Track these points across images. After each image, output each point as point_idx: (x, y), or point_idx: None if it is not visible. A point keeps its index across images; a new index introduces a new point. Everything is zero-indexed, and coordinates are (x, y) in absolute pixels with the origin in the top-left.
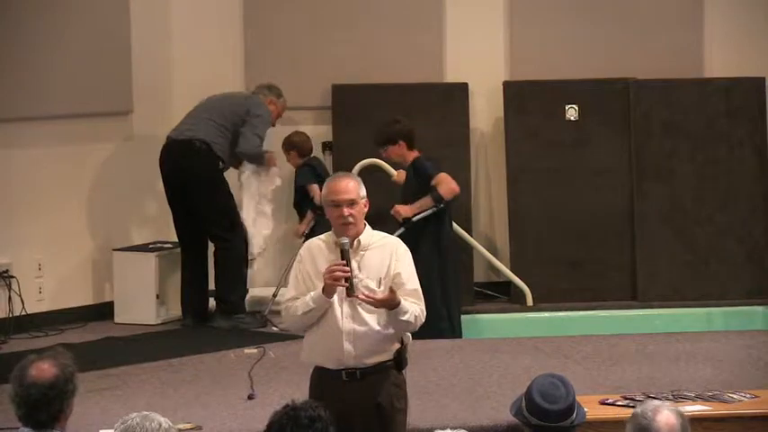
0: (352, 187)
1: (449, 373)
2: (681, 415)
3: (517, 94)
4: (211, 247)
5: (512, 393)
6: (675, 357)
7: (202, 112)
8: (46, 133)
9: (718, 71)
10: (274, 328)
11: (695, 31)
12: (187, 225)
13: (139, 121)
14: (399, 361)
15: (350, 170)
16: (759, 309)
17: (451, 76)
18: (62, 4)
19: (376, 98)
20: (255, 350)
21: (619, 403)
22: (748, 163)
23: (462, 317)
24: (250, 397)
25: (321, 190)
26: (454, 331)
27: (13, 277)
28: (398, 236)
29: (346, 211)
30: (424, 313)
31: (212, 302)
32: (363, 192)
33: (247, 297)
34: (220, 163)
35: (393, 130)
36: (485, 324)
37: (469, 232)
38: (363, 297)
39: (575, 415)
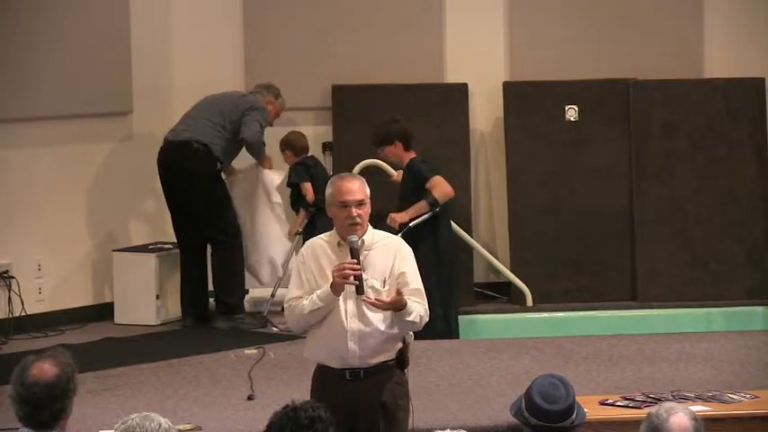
0: (360, 188)
1: (449, 374)
2: (695, 418)
3: (517, 95)
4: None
5: (512, 394)
6: (675, 358)
7: (199, 112)
8: (45, 133)
9: (718, 71)
10: (274, 329)
11: (695, 31)
12: (186, 226)
13: (139, 121)
14: (402, 360)
15: (350, 170)
16: (759, 309)
17: (451, 77)
18: (61, 3)
19: (376, 98)
20: (255, 350)
21: (619, 404)
22: (748, 163)
23: (462, 317)
24: (250, 397)
25: (313, 189)
26: (451, 332)
27: (12, 278)
28: None
29: (355, 211)
30: (428, 312)
31: (212, 303)
32: (368, 192)
33: (246, 297)
34: (218, 164)
35: (390, 131)
36: (485, 324)
37: (469, 233)
38: (373, 302)
39: (575, 415)
